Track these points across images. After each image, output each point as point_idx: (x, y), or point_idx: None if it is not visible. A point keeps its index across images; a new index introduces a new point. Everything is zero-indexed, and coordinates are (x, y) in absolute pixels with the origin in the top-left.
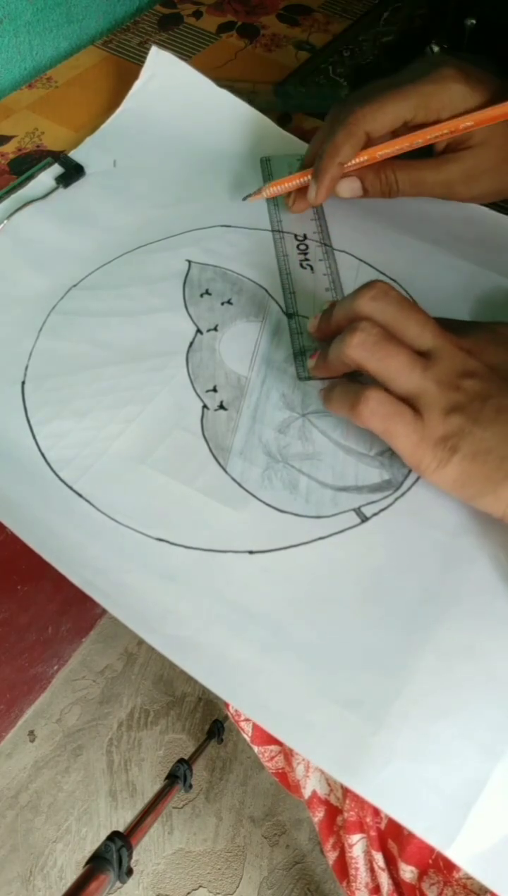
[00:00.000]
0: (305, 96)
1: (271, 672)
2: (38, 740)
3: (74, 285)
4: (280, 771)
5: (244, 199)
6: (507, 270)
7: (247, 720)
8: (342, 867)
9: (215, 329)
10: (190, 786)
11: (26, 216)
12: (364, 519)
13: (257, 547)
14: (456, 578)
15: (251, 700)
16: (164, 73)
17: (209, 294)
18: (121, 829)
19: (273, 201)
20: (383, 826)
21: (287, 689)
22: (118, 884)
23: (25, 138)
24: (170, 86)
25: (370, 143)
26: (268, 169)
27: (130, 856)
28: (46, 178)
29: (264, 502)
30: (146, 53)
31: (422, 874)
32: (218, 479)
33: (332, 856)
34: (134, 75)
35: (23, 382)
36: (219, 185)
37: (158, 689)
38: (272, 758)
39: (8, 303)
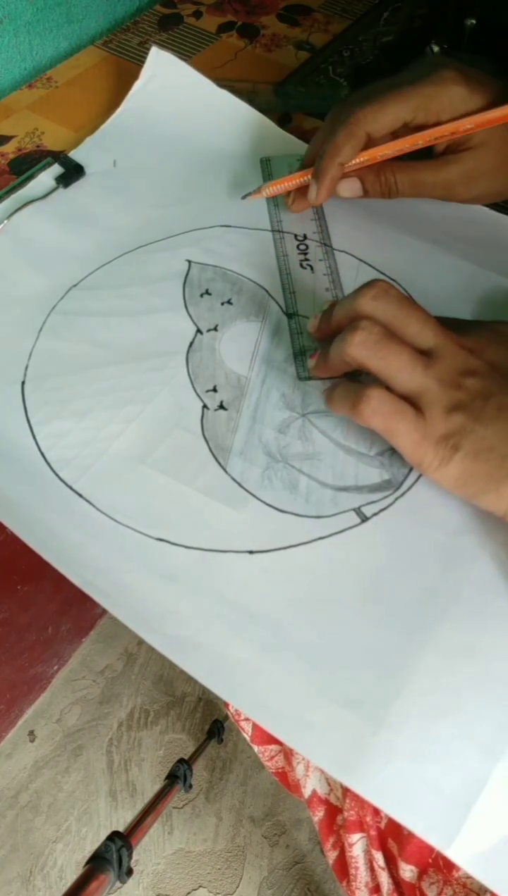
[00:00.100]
0: (305, 96)
1: (271, 672)
2: (38, 740)
3: (74, 285)
4: (280, 770)
5: (243, 197)
6: (507, 270)
7: (247, 720)
8: (342, 866)
9: (215, 329)
10: (190, 786)
11: (26, 216)
12: (364, 519)
13: (257, 547)
14: (456, 578)
15: (251, 700)
16: (164, 73)
17: (209, 294)
18: (121, 829)
19: (273, 201)
20: (383, 825)
21: (287, 689)
22: (118, 884)
23: (25, 138)
24: (170, 86)
25: (370, 143)
26: (268, 169)
27: (130, 856)
28: (46, 178)
29: (264, 502)
30: (146, 53)
31: (422, 873)
32: (218, 479)
33: (332, 855)
34: (134, 75)
35: (23, 382)
36: (219, 185)
37: (158, 689)
38: (272, 757)
39: (8, 303)
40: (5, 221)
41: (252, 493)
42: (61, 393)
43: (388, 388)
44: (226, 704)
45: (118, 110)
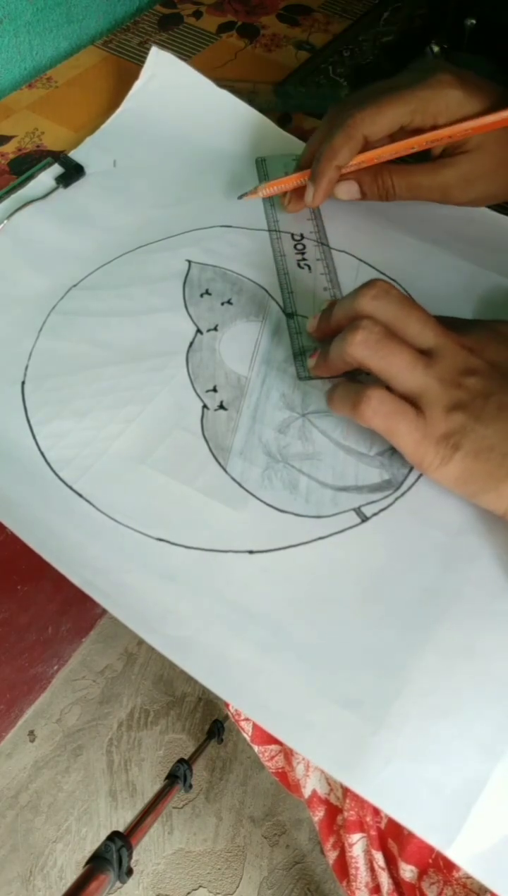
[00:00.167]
0: (305, 96)
1: (271, 672)
2: (38, 740)
3: (74, 285)
4: (280, 770)
5: (240, 197)
6: (507, 270)
7: (247, 720)
8: (342, 867)
9: (215, 329)
10: (190, 786)
11: (26, 216)
12: (364, 519)
13: (257, 547)
14: (456, 578)
15: (251, 700)
16: (164, 73)
17: (209, 294)
18: (121, 829)
19: (269, 201)
20: (383, 825)
21: (287, 689)
22: (118, 884)
23: (25, 138)
24: (170, 86)
25: (367, 146)
26: (264, 169)
27: (130, 856)
28: (46, 178)
29: (264, 502)
30: (146, 53)
31: (422, 873)
32: (218, 479)
33: (332, 855)
34: (134, 75)
35: (23, 382)
36: (219, 186)
37: (158, 689)
38: (272, 757)
39: (8, 303)
40: (5, 221)
41: (252, 493)
42: (61, 393)
43: (388, 388)
44: (226, 704)
45: (118, 110)
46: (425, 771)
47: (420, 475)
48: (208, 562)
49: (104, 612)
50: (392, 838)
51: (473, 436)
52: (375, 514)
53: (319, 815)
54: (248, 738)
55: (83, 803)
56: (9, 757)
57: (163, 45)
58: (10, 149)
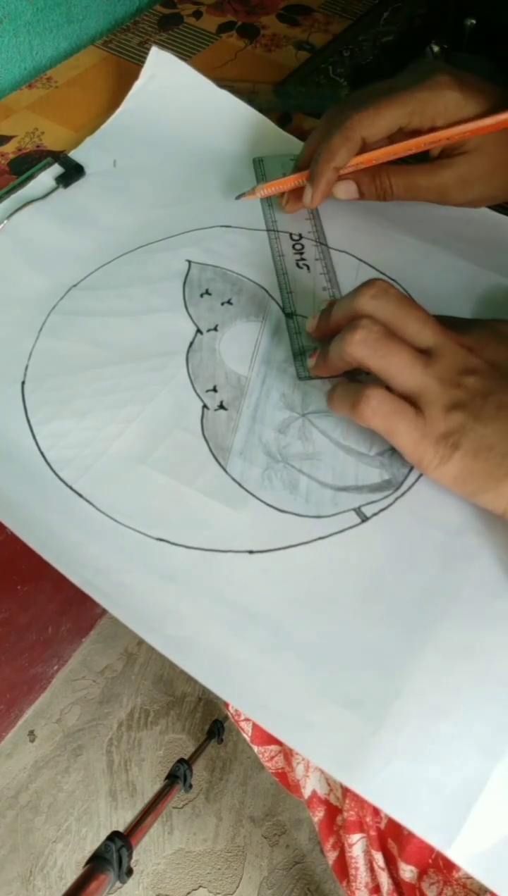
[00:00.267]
0: (305, 96)
1: (271, 672)
2: (38, 740)
3: (74, 285)
4: (280, 771)
5: (237, 197)
6: (507, 270)
7: (247, 720)
8: (342, 867)
9: (215, 329)
10: (190, 786)
11: (26, 216)
12: (364, 519)
13: (257, 547)
14: (456, 578)
15: (251, 700)
16: (164, 73)
17: (209, 294)
18: (121, 829)
19: (267, 201)
20: (383, 826)
21: (287, 689)
22: (118, 884)
23: (25, 138)
24: (170, 86)
25: (365, 147)
26: (261, 169)
27: (130, 856)
28: (46, 178)
29: (264, 502)
30: (146, 53)
31: (422, 874)
32: (218, 479)
33: (332, 855)
34: (134, 75)
35: (23, 382)
36: (219, 186)
37: (158, 689)
38: (272, 758)
39: (8, 303)
40: (5, 221)
41: (252, 493)
42: (61, 393)
43: (388, 388)
44: (226, 704)
45: (118, 110)
46: (425, 771)
47: (420, 475)
48: (208, 562)
49: (104, 612)
50: (392, 838)
51: (472, 435)
52: (375, 514)
53: (319, 815)
54: (248, 739)
55: (83, 803)
56: (9, 757)
57: (163, 45)
58: (10, 149)
